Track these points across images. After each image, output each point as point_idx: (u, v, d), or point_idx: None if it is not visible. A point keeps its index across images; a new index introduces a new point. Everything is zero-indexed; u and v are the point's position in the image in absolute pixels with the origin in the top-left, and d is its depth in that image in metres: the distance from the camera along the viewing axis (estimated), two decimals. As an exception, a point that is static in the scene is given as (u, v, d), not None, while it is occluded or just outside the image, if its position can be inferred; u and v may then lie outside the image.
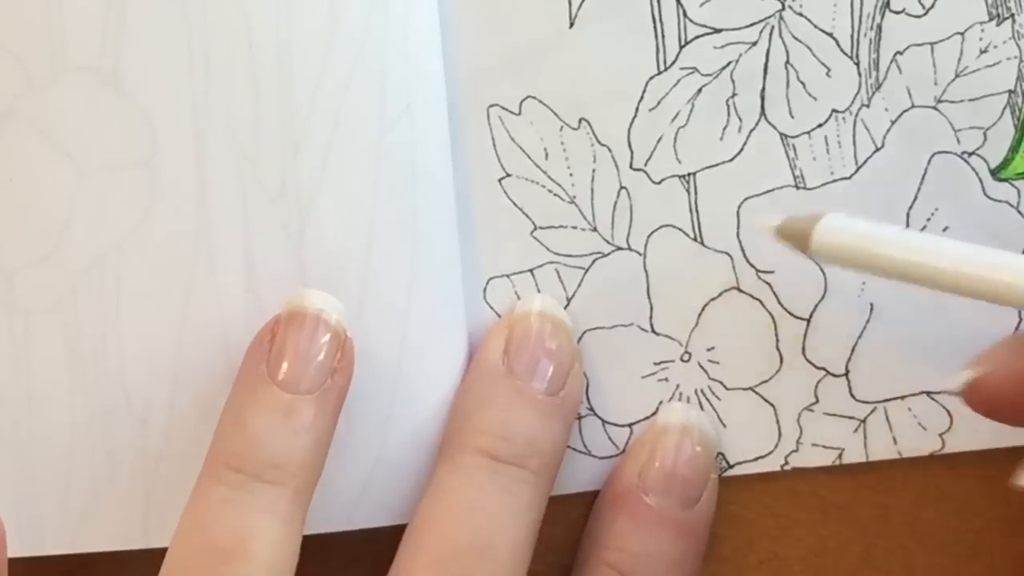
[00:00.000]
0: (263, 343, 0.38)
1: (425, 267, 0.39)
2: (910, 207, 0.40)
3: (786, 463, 0.41)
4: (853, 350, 0.41)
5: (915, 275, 0.36)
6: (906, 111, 0.40)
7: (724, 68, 0.40)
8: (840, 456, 0.41)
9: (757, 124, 0.40)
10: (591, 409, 0.41)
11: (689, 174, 0.40)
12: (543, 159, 0.40)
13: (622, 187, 0.40)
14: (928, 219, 0.40)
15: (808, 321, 0.41)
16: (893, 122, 0.40)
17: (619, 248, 0.41)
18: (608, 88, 0.40)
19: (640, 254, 0.41)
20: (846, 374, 0.41)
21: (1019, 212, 0.40)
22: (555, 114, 0.40)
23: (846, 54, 0.40)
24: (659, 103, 0.40)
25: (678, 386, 0.41)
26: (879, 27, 0.40)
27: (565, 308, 0.41)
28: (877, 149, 0.40)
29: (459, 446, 0.39)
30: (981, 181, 0.40)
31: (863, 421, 0.41)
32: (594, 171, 0.40)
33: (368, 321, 0.39)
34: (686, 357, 0.41)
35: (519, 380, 0.39)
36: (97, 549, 0.40)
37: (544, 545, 0.40)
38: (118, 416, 0.40)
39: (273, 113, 0.39)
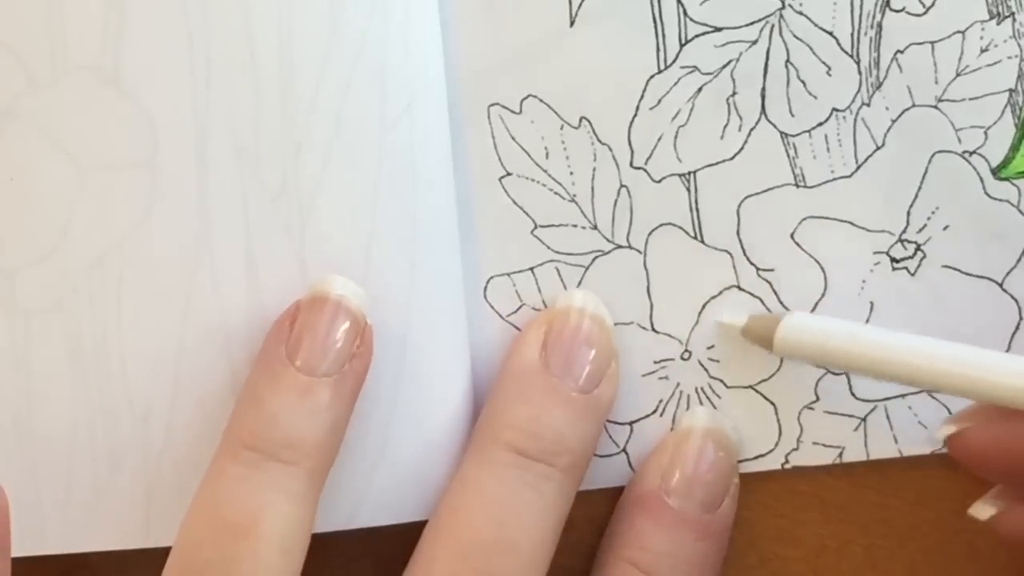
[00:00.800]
0: (284, 326, 0.38)
1: (426, 266, 0.39)
2: (910, 206, 0.40)
3: (786, 462, 0.41)
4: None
5: (874, 371, 0.37)
6: (907, 110, 0.40)
7: (724, 67, 0.40)
8: (840, 455, 0.41)
9: (757, 123, 0.40)
10: (592, 408, 0.41)
11: (689, 172, 0.40)
12: (544, 158, 0.40)
13: (622, 185, 0.40)
14: (928, 218, 0.40)
15: (808, 320, 0.41)
16: (894, 121, 0.40)
17: (619, 246, 0.41)
18: (608, 87, 0.40)
19: (640, 252, 0.41)
20: (846, 373, 0.41)
21: (1019, 211, 0.40)
22: (556, 113, 0.40)
23: (846, 53, 0.40)
24: (659, 102, 0.40)
25: (678, 384, 0.41)
26: (879, 26, 0.40)
27: (565, 307, 0.41)
28: (877, 148, 0.40)
29: (489, 440, 0.39)
30: (982, 180, 0.40)
31: (863, 420, 0.41)
32: (594, 170, 0.40)
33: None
34: (686, 355, 0.41)
35: (554, 377, 0.39)
36: (98, 548, 0.40)
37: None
38: (119, 415, 0.40)
39: (274, 112, 0.39)
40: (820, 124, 0.40)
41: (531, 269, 0.41)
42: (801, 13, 0.40)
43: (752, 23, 0.40)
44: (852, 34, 0.40)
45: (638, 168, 0.40)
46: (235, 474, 0.37)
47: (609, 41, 0.40)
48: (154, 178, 0.39)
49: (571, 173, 0.40)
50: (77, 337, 0.39)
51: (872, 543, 0.42)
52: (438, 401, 0.40)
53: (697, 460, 0.41)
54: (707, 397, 0.41)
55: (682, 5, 0.40)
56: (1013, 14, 0.39)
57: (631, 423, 0.41)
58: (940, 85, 0.40)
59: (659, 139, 0.40)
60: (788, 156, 0.40)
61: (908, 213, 0.40)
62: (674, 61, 0.40)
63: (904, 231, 0.40)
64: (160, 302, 0.39)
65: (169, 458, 0.40)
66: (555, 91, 0.40)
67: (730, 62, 0.40)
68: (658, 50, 0.40)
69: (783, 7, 0.40)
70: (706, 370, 0.41)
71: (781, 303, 0.41)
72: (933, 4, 0.39)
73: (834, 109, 0.40)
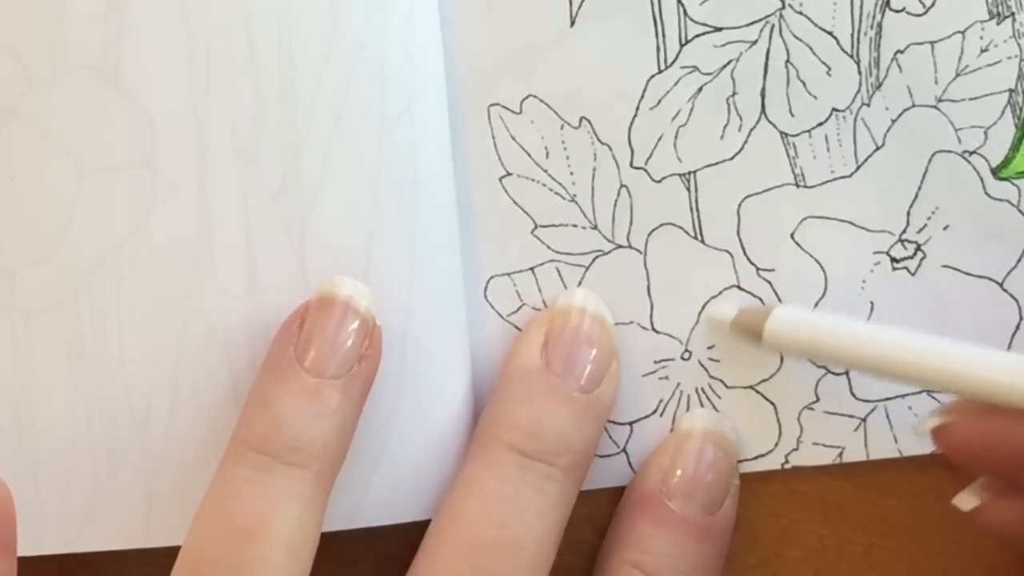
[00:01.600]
0: (292, 328, 0.38)
1: (426, 266, 0.39)
2: (910, 206, 0.40)
3: (786, 462, 0.41)
4: (853, 349, 0.41)
5: (860, 364, 0.37)
6: (907, 110, 0.40)
7: (724, 67, 0.40)
8: (841, 455, 0.41)
9: (757, 123, 0.40)
10: (592, 408, 0.41)
11: (689, 172, 0.40)
12: (544, 158, 0.40)
13: (622, 185, 0.40)
14: (928, 218, 0.40)
15: (809, 320, 0.41)
16: (894, 121, 0.40)
17: (619, 246, 0.41)
18: (609, 87, 0.40)
19: (640, 252, 0.41)
20: (846, 372, 0.41)
21: (1019, 211, 0.40)
22: (556, 113, 0.40)
23: (846, 53, 0.40)
24: (659, 102, 0.40)
25: (678, 384, 0.41)
26: (879, 26, 0.40)
27: (566, 307, 0.41)
28: (877, 148, 0.40)
29: (491, 440, 0.39)
30: (982, 180, 0.40)
31: (864, 420, 0.41)
32: (595, 170, 0.40)
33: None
34: (686, 355, 0.41)
35: (555, 377, 0.39)
36: (98, 548, 0.40)
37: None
38: (119, 415, 0.39)
39: (274, 112, 0.39)
40: (820, 124, 0.40)
41: (531, 269, 0.41)
42: (801, 13, 0.40)
43: (752, 23, 0.40)
44: (852, 34, 0.40)
45: (638, 168, 0.40)
46: (243, 477, 0.37)
47: (609, 41, 0.40)
48: (154, 178, 0.39)
49: (571, 173, 0.40)
50: (77, 337, 0.39)
51: (872, 543, 0.42)
52: (438, 401, 0.40)
53: (697, 462, 0.41)
54: (707, 397, 0.41)
55: (682, 5, 0.40)
56: (1013, 14, 0.39)
57: (631, 423, 0.41)
58: (940, 85, 0.40)
59: (659, 139, 0.40)
60: (788, 156, 0.40)
61: (908, 213, 0.40)
62: (674, 61, 0.40)
63: (904, 231, 0.40)
64: (160, 302, 0.39)
65: (169, 458, 0.40)
66: (555, 91, 0.40)
67: (730, 62, 0.40)
68: (658, 50, 0.40)
69: (783, 7, 0.40)
70: (706, 370, 0.41)
71: (781, 303, 0.41)
72: (933, 4, 0.39)
73: (834, 109, 0.40)
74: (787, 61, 0.40)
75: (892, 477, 0.42)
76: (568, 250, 0.41)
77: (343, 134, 0.39)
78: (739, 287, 0.41)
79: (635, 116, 0.40)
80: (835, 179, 0.40)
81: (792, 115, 0.40)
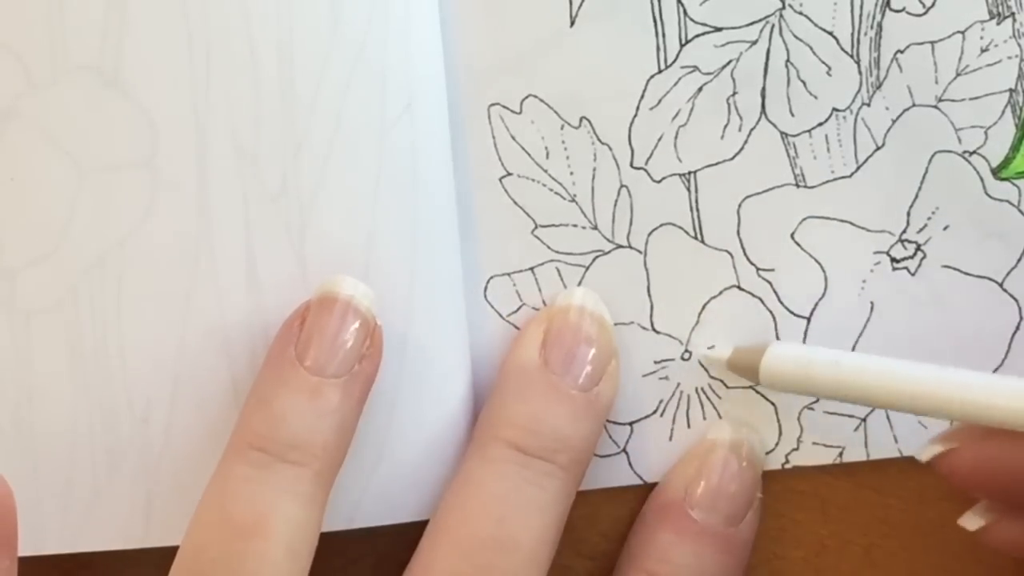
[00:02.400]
0: (293, 327, 0.38)
1: (426, 266, 0.39)
2: (911, 206, 0.40)
3: (787, 461, 0.41)
4: (854, 348, 0.41)
5: (859, 398, 0.38)
6: (907, 110, 0.40)
7: (725, 67, 0.40)
8: (841, 455, 0.41)
9: (758, 123, 0.40)
10: (592, 408, 0.41)
11: (690, 172, 0.40)
12: (544, 158, 0.40)
13: (623, 185, 0.40)
14: (928, 218, 0.40)
15: (808, 319, 0.41)
16: (894, 121, 0.40)
17: (620, 246, 0.41)
18: (609, 87, 0.40)
19: (640, 252, 0.41)
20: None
21: (1019, 211, 0.40)
22: (556, 113, 0.40)
23: (847, 53, 0.40)
24: (660, 102, 0.40)
25: (679, 385, 0.41)
26: (879, 26, 0.40)
27: (566, 307, 0.41)
28: (878, 148, 0.40)
29: (489, 438, 0.39)
30: (982, 180, 0.40)
31: (864, 420, 0.41)
32: (595, 170, 0.40)
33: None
34: (686, 355, 0.41)
35: (554, 375, 0.39)
36: (98, 548, 0.40)
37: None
38: (119, 415, 0.39)
39: (274, 112, 0.39)
40: (820, 124, 0.40)
41: (531, 269, 0.41)
42: (801, 13, 0.40)
43: (752, 23, 0.40)
44: (852, 34, 0.40)
45: (638, 168, 0.40)
46: (243, 475, 0.37)
47: (609, 41, 0.40)
48: (154, 178, 0.39)
49: (571, 173, 0.40)
50: (77, 337, 0.39)
51: (872, 543, 0.42)
52: (438, 401, 0.40)
53: (722, 473, 0.40)
54: (707, 397, 0.41)
55: (682, 5, 0.40)
56: (1013, 14, 0.39)
57: (631, 423, 0.41)
58: (940, 85, 0.40)
59: (659, 139, 0.40)
60: (788, 156, 0.40)
61: (908, 213, 0.40)
62: (674, 61, 0.40)
63: (904, 231, 0.40)
64: (160, 302, 0.39)
65: (169, 458, 0.40)
66: (555, 91, 0.40)
67: (730, 62, 0.40)
68: (658, 50, 0.40)
69: (783, 7, 0.40)
70: (706, 370, 0.41)
71: (781, 303, 0.41)
72: (933, 4, 0.39)
73: (834, 109, 0.40)
74: (787, 61, 0.40)
75: (892, 477, 0.42)
76: (568, 250, 0.41)
77: (343, 134, 0.39)
78: (739, 287, 0.41)
79: (635, 116, 0.40)
80: (835, 179, 0.40)
81: (792, 115, 0.40)
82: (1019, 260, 0.40)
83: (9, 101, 0.39)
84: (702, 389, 0.41)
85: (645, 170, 0.40)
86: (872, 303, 0.41)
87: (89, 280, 0.39)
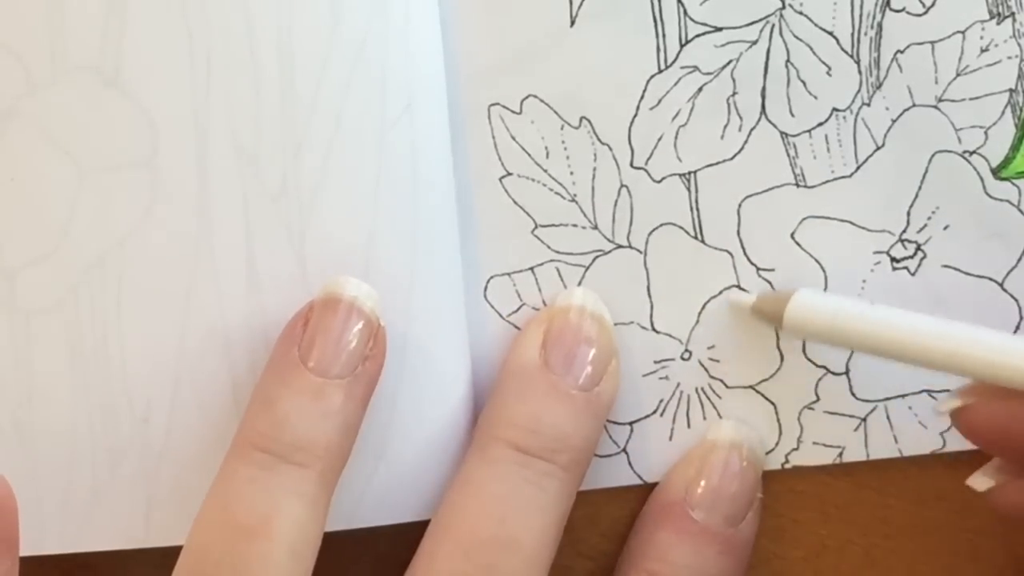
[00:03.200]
0: (296, 328, 0.38)
1: (426, 266, 0.39)
2: (911, 206, 0.40)
3: (787, 461, 0.41)
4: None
5: (880, 348, 0.38)
6: (907, 110, 0.40)
7: (725, 67, 0.40)
8: (841, 455, 0.41)
9: (758, 123, 0.40)
10: (592, 408, 0.41)
11: (690, 172, 0.40)
12: (544, 158, 0.40)
13: (623, 185, 0.40)
14: (929, 218, 0.40)
15: (809, 320, 0.41)
16: (894, 121, 0.40)
17: (620, 246, 0.41)
18: (609, 87, 0.40)
19: (641, 252, 0.41)
20: (846, 372, 0.41)
21: (1020, 211, 0.40)
22: (556, 113, 0.40)
23: (847, 53, 0.40)
24: (660, 102, 0.40)
25: (679, 384, 0.41)
26: (879, 26, 0.40)
27: (566, 307, 0.41)
28: (878, 148, 0.40)
29: (490, 438, 0.39)
30: (982, 180, 0.40)
31: (864, 420, 0.41)
32: (595, 170, 0.40)
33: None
34: (687, 355, 0.41)
35: (554, 375, 0.39)
36: (98, 548, 0.40)
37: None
38: (119, 415, 0.40)
39: (274, 113, 0.39)
40: (820, 124, 0.40)
41: (531, 269, 0.41)
42: (801, 13, 0.40)
43: (752, 23, 0.40)
44: (852, 34, 0.40)
45: (638, 168, 0.40)
46: (246, 476, 0.37)
47: (609, 41, 0.40)
48: (154, 178, 0.39)
49: (571, 173, 0.40)
50: (77, 337, 0.39)
51: (872, 543, 0.42)
52: (438, 401, 0.40)
53: (723, 473, 0.40)
54: (707, 397, 0.41)
55: (682, 5, 0.40)
56: (1013, 14, 0.39)
57: (631, 423, 0.41)
58: (940, 85, 0.40)
59: (659, 139, 0.40)
60: (788, 156, 0.40)
61: (908, 213, 0.40)
62: (674, 61, 0.40)
63: (904, 231, 0.40)
64: (160, 302, 0.39)
65: (169, 458, 0.40)
66: (555, 91, 0.40)
67: (730, 62, 0.40)
68: (658, 50, 0.40)
69: (783, 7, 0.40)
70: (706, 370, 0.41)
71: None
72: (933, 4, 0.39)
73: (834, 109, 0.40)
74: (787, 61, 0.40)
75: (892, 477, 0.42)
76: (568, 250, 0.41)
77: (343, 134, 0.39)
78: (739, 287, 0.41)
79: (635, 116, 0.40)
80: (835, 179, 0.40)
81: (792, 115, 0.40)
82: (1019, 260, 0.40)
83: (9, 101, 0.39)
84: (702, 389, 0.41)
85: (645, 170, 0.40)
86: (872, 302, 0.41)
87: (89, 280, 0.39)
